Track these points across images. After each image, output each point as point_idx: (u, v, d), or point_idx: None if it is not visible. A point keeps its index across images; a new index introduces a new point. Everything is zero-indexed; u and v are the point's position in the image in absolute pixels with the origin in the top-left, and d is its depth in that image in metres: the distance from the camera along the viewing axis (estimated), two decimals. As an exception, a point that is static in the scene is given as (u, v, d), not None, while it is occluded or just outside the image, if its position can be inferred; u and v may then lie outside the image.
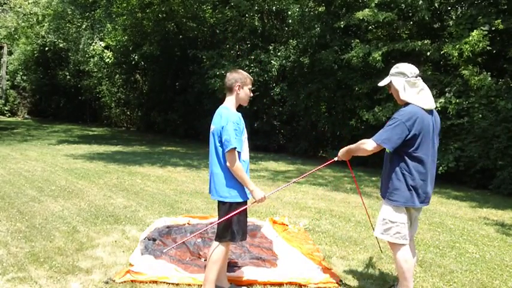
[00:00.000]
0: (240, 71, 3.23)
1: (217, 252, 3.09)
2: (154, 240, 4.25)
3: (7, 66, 26.82)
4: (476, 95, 8.73)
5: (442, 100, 8.92)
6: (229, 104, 3.17)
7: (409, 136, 2.96)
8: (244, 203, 3.11)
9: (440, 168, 8.71)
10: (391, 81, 3.16)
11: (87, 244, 4.28)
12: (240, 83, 3.14)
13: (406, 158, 3.03)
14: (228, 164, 2.98)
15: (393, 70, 3.17)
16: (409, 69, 3.09)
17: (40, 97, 27.58)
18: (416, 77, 3.07)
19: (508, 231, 5.58)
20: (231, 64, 12.95)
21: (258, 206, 5.70)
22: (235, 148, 2.95)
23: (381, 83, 3.29)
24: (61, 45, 18.15)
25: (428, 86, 3.27)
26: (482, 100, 8.66)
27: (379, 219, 3.18)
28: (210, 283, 3.13)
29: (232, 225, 3.08)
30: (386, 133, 2.99)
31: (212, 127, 3.12)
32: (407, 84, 3.07)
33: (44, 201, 5.99)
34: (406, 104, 3.09)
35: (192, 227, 4.65)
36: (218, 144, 3.05)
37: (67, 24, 16.31)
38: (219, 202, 3.14)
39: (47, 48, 20.87)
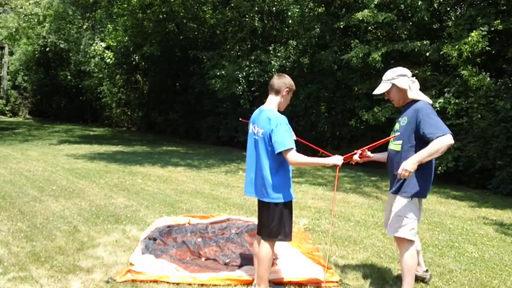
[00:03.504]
0: (288, 76, 3.27)
1: (268, 251, 3.18)
2: (154, 239, 4.27)
3: (8, 67, 26.89)
4: (475, 95, 8.75)
5: (441, 100, 8.94)
6: (273, 106, 3.21)
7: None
8: (291, 202, 3.22)
9: (440, 168, 8.73)
10: (393, 85, 3.23)
11: (88, 244, 4.30)
12: (289, 88, 3.21)
13: None
14: (290, 163, 3.04)
15: (391, 75, 3.25)
16: (406, 70, 3.24)
17: (41, 97, 27.66)
18: (412, 76, 3.25)
19: (507, 230, 5.60)
20: (231, 65, 12.98)
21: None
22: (292, 148, 3.00)
23: (379, 91, 3.31)
24: (62, 45, 18.20)
25: (427, 86, 3.37)
26: (481, 100, 8.68)
27: (394, 217, 3.19)
28: (265, 281, 3.20)
29: (285, 225, 3.18)
30: (441, 124, 3.00)
31: (259, 130, 3.13)
32: (411, 83, 3.20)
33: (45, 201, 6.03)
34: (414, 101, 3.20)
35: (192, 227, 4.68)
36: (269, 148, 3.08)
37: (68, 25, 16.37)
38: (268, 203, 3.15)
39: (48, 49, 20.94)
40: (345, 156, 3.34)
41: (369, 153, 3.45)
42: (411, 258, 3.16)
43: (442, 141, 2.94)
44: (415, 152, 3.07)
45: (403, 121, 3.24)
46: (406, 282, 3.18)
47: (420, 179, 3.13)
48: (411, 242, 3.16)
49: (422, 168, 3.09)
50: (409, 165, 2.96)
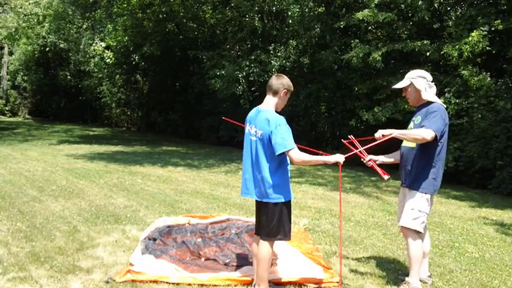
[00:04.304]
0: (286, 77, 3.28)
1: (267, 250, 3.18)
2: (154, 240, 4.26)
3: (8, 67, 26.88)
4: (475, 95, 8.74)
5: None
6: (271, 106, 3.22)
7: (445, 127, 3.34)
8: (290, 202, 3.25)
9: (440, 168, 8.73)
10: (411, 83, 3.47)
11: (88, 244, 4.30)
12: (287, 89, 3.22)
13: (439, 148, 3.36)
14: (295, 162, 3.06)
15: (413, 74, 3.51)
16: (427, 74, 3.50)
17: (41, 97, 27.64)
18: (432, 82, 3.49)
19: (507, 230, 5.59)
20: (231, 65, 12.97)
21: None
22: (294, 147, 3.04)
23: (398, 85, 3.58)
24: (62, 45, 18.19)
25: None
26: (482, 100, 8.68)
27: (407, 209, 3.41)
28: (265, 281, 3.20)
29: (285, 224, 3.20)
30: (436, 124, 3.29)
31: (258, 131, 3.13)
32: (427, 86, 3.44)
33: (44, 201, 6.02)
34: (428, 102, 3.43)
35: (192, 227, 4.67)
36: (268, 149, 3.08)
37: (68, 25, 16.37)
38: (267, 203, 3.15)
39: (47, 49, 20.93)
40: (347, 155, 3.43)
41: (378, 159, 3.67)
42: (418, 248, 3.36)
43: (423, 132, 3.24)
44: (426, 146, 3.32)
45: (417, 120, 3.50)
46: (414, 271, 3.38)
47: (433, 176, 3.37)
48: (420, 233, 3.39)
49: (435, 166, 3.36)
50: (386, 131, 3.36)
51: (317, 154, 3.43)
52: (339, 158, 3.20)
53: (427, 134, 3.23)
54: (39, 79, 26.21)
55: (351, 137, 3.66)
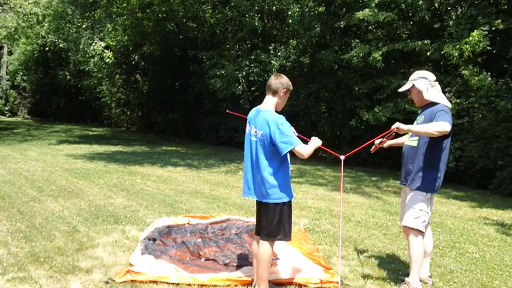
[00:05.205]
0: (285, 77, 3.27)
1: (267, 250, 3.17)
2: (154, 240, 4.25)
3: (7, 66, 26.85)
4: (476, 95, 8.74)
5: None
6: (271, 106, 3.21)
7: (451, 127, 3.27)
8: (290, 202, 3.25)
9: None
10: (413, 85, 3.51)
11: (88, 244, 4.28)
12: (286, 89, 3.21)
13: (443, 149, 3.38)
14: (303, 156, 3.04)
15: (414, 76, 3.55)
16: (430, 74, 3.53)
17: (40, 97, 27.60)
18: (435, 81, 3.49)
19: (508, 231, 5.58)
20: (231, 64, 12.96)
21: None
22: (300, 143, 3.04)
23: (402, 89, 3.65)
24: (61, 45, 18.14)
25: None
26: (482, 100, 8.67)
27: (408, 209, 3.44)
28: (265, 282, 3.19)
29: (285, 224, 3.20)
30: (447, 118, 3.24)
31: (258, 132, 3.12)
32: (429, 86, 3.45)
33: (44, 201, 6.00)
34: (432, 103, 3.44)
35: (192, 227, 4.66)
36: (268, 149, 3.08)
37: (67, 24, 16.31)
38: (267, 204, 3.15)
39: (47, 48, 20.88)
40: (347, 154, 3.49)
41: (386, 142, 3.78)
42: (418, 247, 3.39)
43: (441, 124, 3.21)
44: (429, 146, 3.36)
45: (420, 119, 3.55)
46: (414, 271, 3.41)
47: (434, 175, 3.39)
48: (421, 232, 3.41)
49: (436, 166, 3.37)
50: (403, 126, 3.26)
51: (320, 149, 3.45)
52: (317, 142, 3.18)
53: (447, 126, 3.21)
54: (39, 79, 26.18)
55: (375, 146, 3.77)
